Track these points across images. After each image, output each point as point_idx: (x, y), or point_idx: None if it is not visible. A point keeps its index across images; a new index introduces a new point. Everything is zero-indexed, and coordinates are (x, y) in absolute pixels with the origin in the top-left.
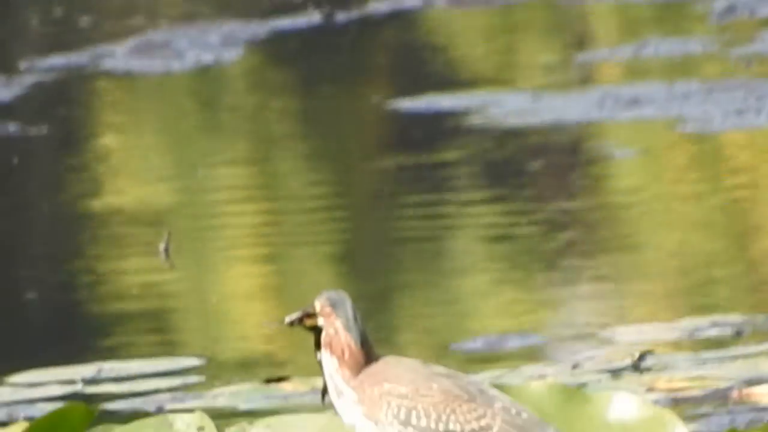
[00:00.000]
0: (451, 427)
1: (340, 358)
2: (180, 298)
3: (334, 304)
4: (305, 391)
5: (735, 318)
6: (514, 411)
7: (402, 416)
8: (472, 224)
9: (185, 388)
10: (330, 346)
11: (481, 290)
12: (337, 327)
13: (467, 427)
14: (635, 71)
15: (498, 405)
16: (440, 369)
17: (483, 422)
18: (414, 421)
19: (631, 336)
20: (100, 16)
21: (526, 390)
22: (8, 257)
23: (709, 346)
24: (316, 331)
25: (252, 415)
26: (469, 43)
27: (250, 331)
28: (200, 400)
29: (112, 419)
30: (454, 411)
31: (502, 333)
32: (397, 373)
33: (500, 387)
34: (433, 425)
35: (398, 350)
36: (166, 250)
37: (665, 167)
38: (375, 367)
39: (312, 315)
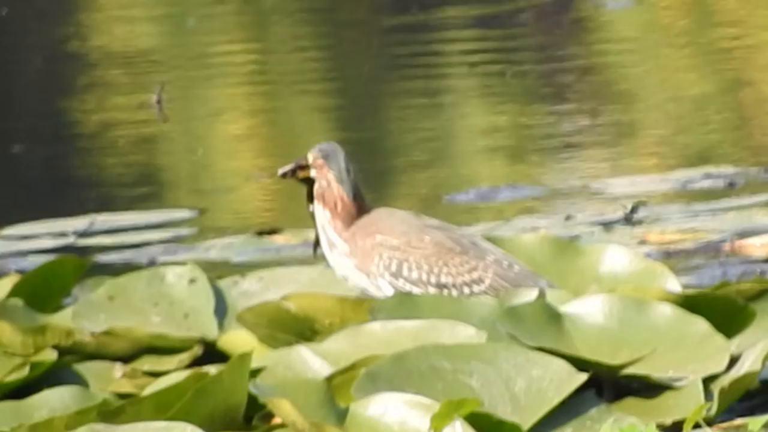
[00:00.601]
0: (442, 279)
1: (333, 210)
2: (172, 149)
3: (326, 156)
4: (297, 243)
5: (727, 170)
6: (506, 264)
7: (393, 268)
8: (465, 74)
9: (177, 240)
10: (322, 198)
11: (474, 142)
12: (330, 179)
13: (459, 280)
14: None
15: (490, 258)
16: (433, 221)
17: (475, 275)
18: (405, 273)
19: (623, 188)
20: None
21: (518, 242)
22: None
23: (702, 198)
24: (309, 183)
25: (244, 267)
26: None
27: (242, 183)
28: (192, 252)
29: (104, 272)
30: (446, 263)
31: (495, 185)
32: (390, 224)
33: (492, 239)
34: (424, 277)
35: (390, 202)
36: (159, 101)
37: (658, 17)
38: (367, 219)
39: (305, 167)
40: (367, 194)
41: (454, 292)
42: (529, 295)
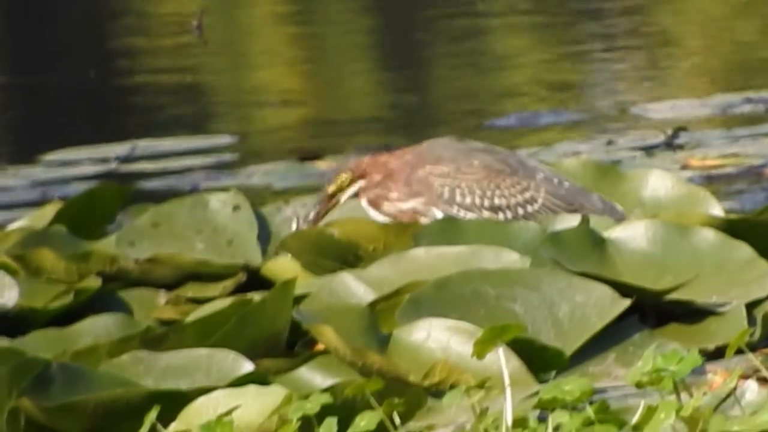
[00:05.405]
0: (496, 202)
1: (388, 180)
2: (213, 75)
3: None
4: None
5: None
6: (556, 181)
7: (446, 195)
8: (503, 5)
9: (220, 166)
10: (376, 199)
11: (513, 68)
12: (374, 160)
13: (512, 201)
14: None
15: (540, 176)
16: (477, 144)
17: (527, 195)
18: (458, 199)
19: (663, 113)
20: None
21: (560, 167)
22: (41, 32)
23: (742, 123)
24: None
25: (287, 192)
26: None
27: (283, 108)
28: (234, 178)
29: (147, 198)
30: (498, 186)
31: (536, 110)
32: (436, 153)
33: None
34: (478, 201)
35: (430, 130)
36: (199, 27)
37: None
38: (412, 156)
39: (331, 197)
40: (407, 126)
41: (509, 214)
42: (573, 220)
